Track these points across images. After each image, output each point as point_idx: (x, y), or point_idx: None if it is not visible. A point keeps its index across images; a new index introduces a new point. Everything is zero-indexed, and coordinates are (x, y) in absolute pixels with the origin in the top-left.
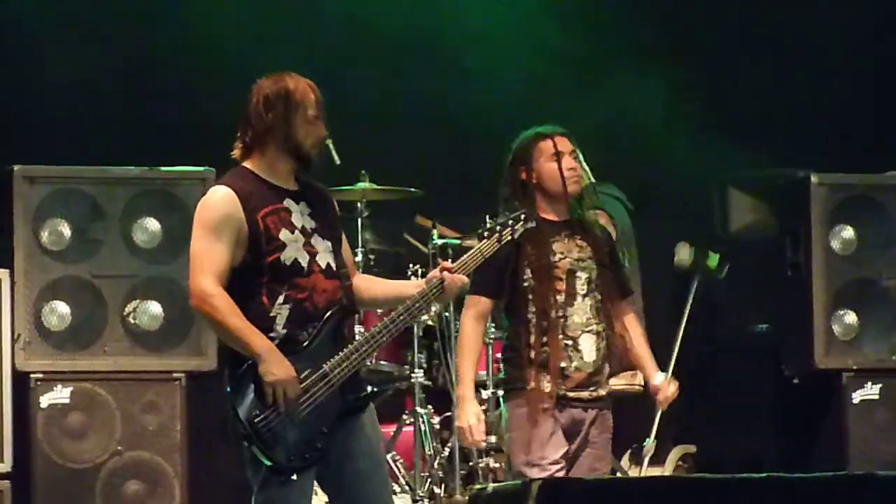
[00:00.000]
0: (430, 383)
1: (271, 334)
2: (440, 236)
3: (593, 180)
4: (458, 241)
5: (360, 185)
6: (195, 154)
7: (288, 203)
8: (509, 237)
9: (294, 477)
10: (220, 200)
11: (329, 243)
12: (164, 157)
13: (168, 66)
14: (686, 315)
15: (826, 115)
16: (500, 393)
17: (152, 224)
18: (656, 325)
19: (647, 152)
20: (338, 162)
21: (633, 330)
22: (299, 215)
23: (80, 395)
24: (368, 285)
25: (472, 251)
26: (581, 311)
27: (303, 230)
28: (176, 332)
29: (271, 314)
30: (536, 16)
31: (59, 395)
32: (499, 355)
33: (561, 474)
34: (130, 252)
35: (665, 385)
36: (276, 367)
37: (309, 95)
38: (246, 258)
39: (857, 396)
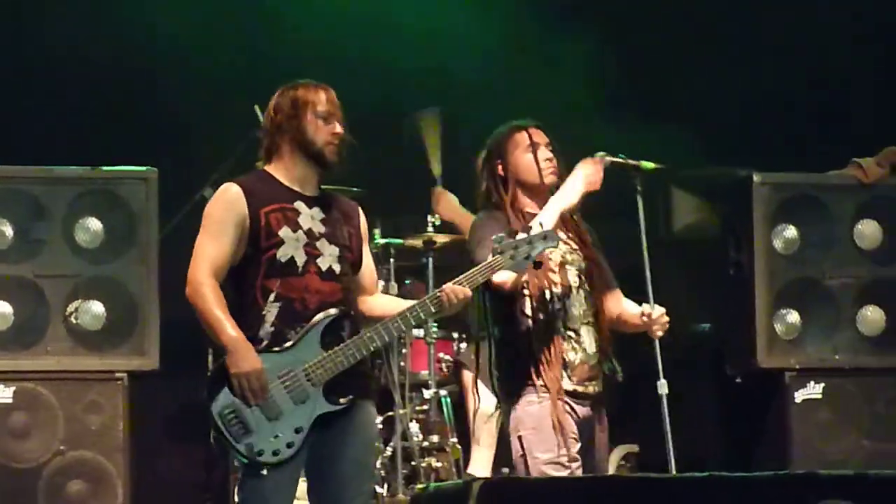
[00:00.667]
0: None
1: (261, 332)
2: (382, 235)
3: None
4: (400, 241)
5: None
6: (138, 154)
7: (298, 205)
8: (527, 257)
9: (265, 472)
10: (225, 196)
11: (338, 249)
12: (106, 157)
13: (110, 65)
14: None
15: (769, 114)
16: (442, 392)
17: (95, 224)
18: None
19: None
20: None
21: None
22: (309, 218)
23: (23, 395)
24: (375, 303)
25: (483, 265)
26: (578, 303)
27: (308, 232)
28: (118, 331)
29: (263, 312)
30: (475, 14)
31: (2, 394)
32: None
33: (579, 472)
34: (73, 252)
35: (650, 311)
36: (242, 360)
37: (317, 95)
38: (247, 252)
39: (799, 396)
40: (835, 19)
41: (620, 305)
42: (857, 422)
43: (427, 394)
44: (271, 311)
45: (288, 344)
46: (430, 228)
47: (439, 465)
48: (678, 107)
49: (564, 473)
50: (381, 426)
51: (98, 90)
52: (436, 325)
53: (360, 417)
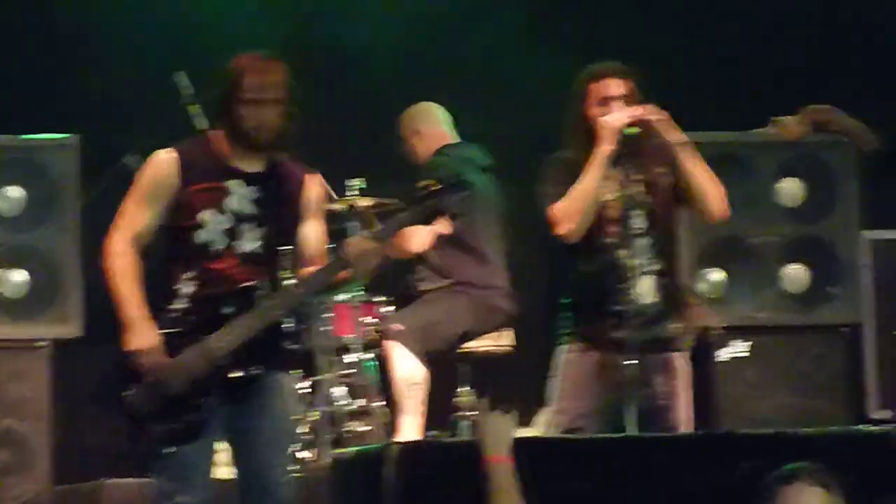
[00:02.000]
0: (297, 347)
1: (173, 305)
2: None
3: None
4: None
5: None
6: (60, 121)
7: (230, 184)
8: (436, 210)
9: (173, 449)
10: (158, 163)
11: (263, 232)
12: (27, 125)
13: (31, 32)
14: None
15: (691, 73)
16: (367, 356)
17: (16, 192)
18: (534, 291)
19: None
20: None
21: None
22: (239, 198)
23: None
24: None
25: (390, 221)
26: (639, 251)
27: (234, 214)
28: (41, 300)
29: (176, 286)
30: None
31: None
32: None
33: (592, 427)
34: None
35: None
36: (137, 337)
37: (251, 76)
38: (169, 225)
39: (724, 354)
40: None
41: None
42: (783, 379)
43: (351, 358)
44: (185, 289)
45: (197, 323)
46: (354, 192)
47: (365, 429)
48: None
49: (570, 425)
50: (307, 391)
51: (18, 57)
52: (362, 288)
53: (275, 387)
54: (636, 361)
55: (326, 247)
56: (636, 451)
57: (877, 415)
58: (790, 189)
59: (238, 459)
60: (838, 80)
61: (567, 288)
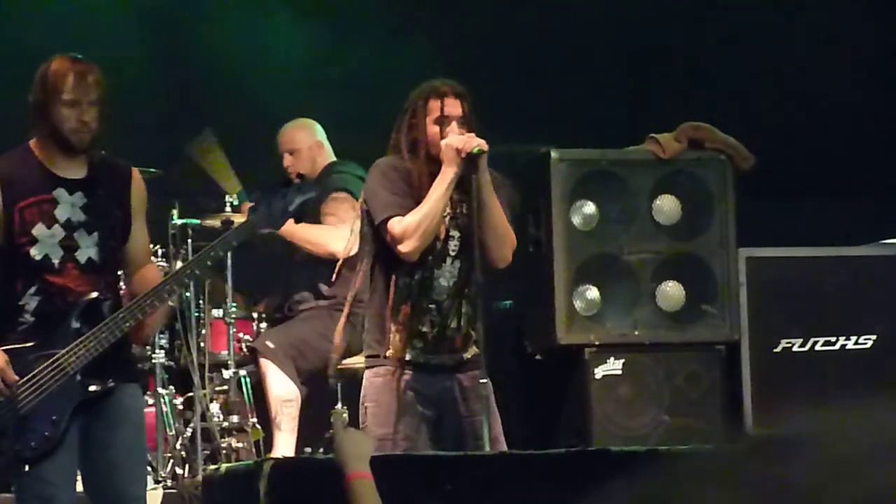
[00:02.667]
0: (172, 364)
1: (20, 320)
2: (181, 216)
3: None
4: (198, 222)
5: None
6: None
7: (58, 193)
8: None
9: (26, 468)
10: None
11: (98, 236)
12: None
13: None
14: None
15: (568, 89)
16: (242, 373)
17: None
18: None
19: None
20: None
21: None
22: (68, 207)
23: None
24: (142, 277)
25: (227, 234)
26: (448, 274)
27: (66, 224)
28: None
29: (21, 302)
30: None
31: None
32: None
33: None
34: None
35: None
36: None
37: (66, 79)
38: (2, 246)
39: (599, 372)
40: None
41: None
42: (657, 397)
43: (226, 374)
44: (30, 304)
45: (45, 336)
46: (227, 209)
47: (240, 445)
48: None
49: (396, 450)
50: (180, 407)
51: None
52: (234, 305)
53: (125, 402)
54: (447, 382)
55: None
56: (508, 468)
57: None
58: (666, 206)
59: (92, 473)
60: (714, 98)
61: (375, 304)
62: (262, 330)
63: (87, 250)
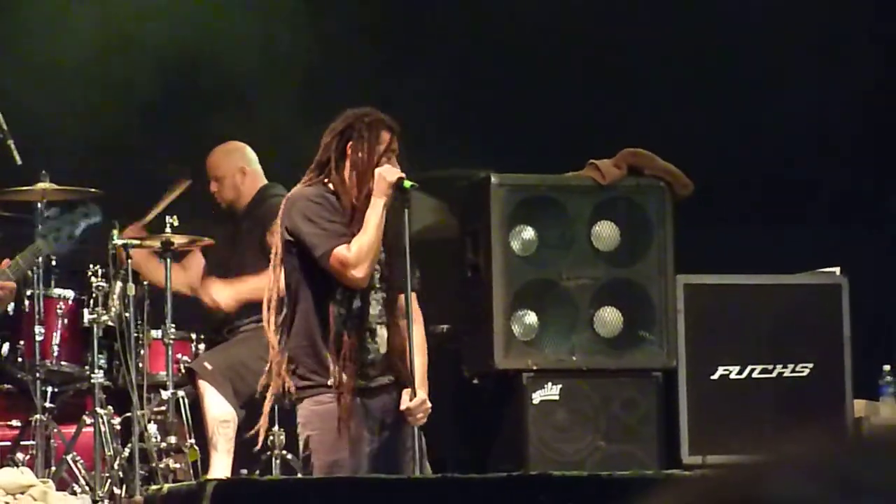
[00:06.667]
0: (110, 384)
1: None
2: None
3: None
4: (138, 242)
5: (40, 185)
6: None
7: None
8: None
9: None
10: None
11: None
12: None
13: None
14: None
15: (506, 114)
16: (180, 393)
17: None
18: None
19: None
20: (19, 162)
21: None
22: None
23: None
24: None
25: (23, 254)
26: (375, 302)
27: None
28: None
29: None
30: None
31: None
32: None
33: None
34: None
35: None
36: None
37: None
38: None
39: (536, 397)
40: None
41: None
42: (593, 423)
43: (165, 394)
44: None
45: None
46: (167, 229)
47: (177, 466)
48: (418, 108)
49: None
50: (118, 427)
51: None
52: (173, 325)
53: None
54: (387, 401)
55: None
56: (449, 491)
57: (689, 460)
58: (605, 232)
59: None
60: (653, 124)
61: (303, 333)
62: (201, 351)
63: None
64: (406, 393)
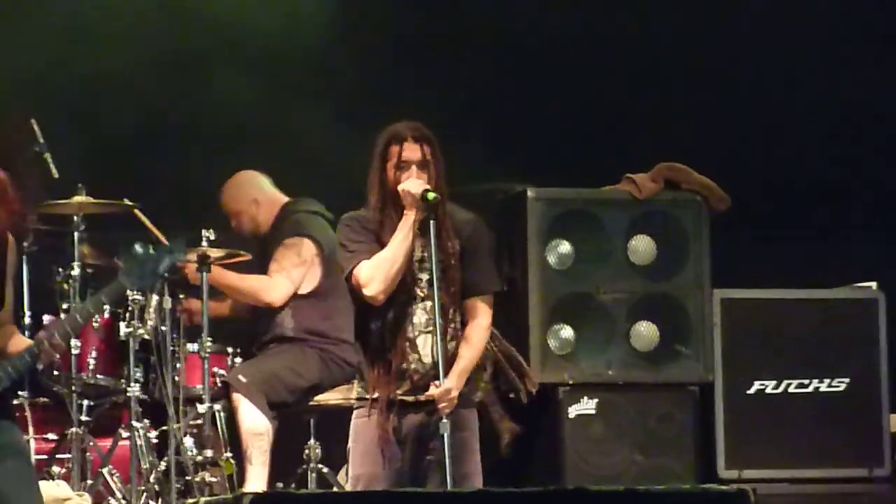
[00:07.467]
0: (146, 397)
1: None
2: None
3: None
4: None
5: (77, 198)
6: None
7: None
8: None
9: None
10: None
11: None
12: None
13: None
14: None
15: (544, 128)
16: (216, 407)
17: None
18: None
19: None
20: (56, 175)
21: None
22: None
23: None
24: (3, 343)
25: (87, 303)
26: (422, 311)
27: None
28: None
29: None
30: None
31: None
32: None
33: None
34: None
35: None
36: None
37: None
38: None
39: (573, 411)
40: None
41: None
42: (629, 437)
43: (201, 408)
44: None
45: None
46: (204, 243)
47: (213, 479)
48: (456, 122)
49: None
50: (154, 440)
51: None
52: (210, 338)
53: (3, 440)
54: (422, 419)
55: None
56: None
57: (725, 474)
58: (641, 246)
59: None
60: (691, 138)
61: (360, 347)
62: (237, 364)
63: None
64: (433, 384)
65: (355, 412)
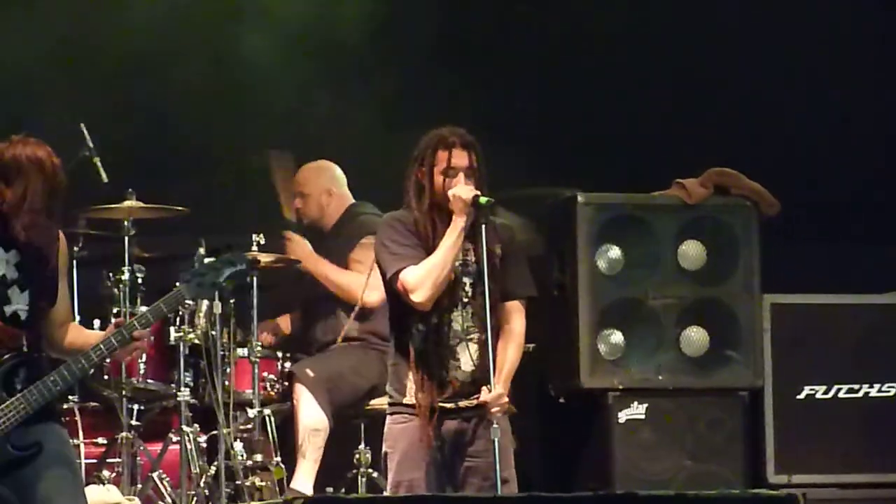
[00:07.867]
0: (196, 402)
1: None
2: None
3: None
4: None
5: (127, 203)
6: None
7: None
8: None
9: None
10: None
11: (27, 294)
12: None
13: None
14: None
15: (594, 133)
16: (266, 411)
17: None
18: None
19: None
20: (105, 180)
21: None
22: (3, 264)
23: None
24: (72, 336)
25: (167, 297)
26: (462, 318)
27: (1, 279)
28: None
29: None
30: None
31: None
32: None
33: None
34: None
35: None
36: None
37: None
38: None
39: (622, 416)
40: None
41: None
42: (679, 442)
43: (251, 413)
44: None
45: None
46: (254, 248)
47: (263, 484)
48: (503, 127)
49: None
50: (204, 445)
51: None
52: (259, 344)
53: (50, 445)
54: (460, 426)
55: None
56: None
57: (775, 479)
58: (691, 252)
59: None
60: (741, 144)
61: (392, 351)
62: (286, 368)
63: (15, 305)
64: (485, 389)
65: (390, 417)
